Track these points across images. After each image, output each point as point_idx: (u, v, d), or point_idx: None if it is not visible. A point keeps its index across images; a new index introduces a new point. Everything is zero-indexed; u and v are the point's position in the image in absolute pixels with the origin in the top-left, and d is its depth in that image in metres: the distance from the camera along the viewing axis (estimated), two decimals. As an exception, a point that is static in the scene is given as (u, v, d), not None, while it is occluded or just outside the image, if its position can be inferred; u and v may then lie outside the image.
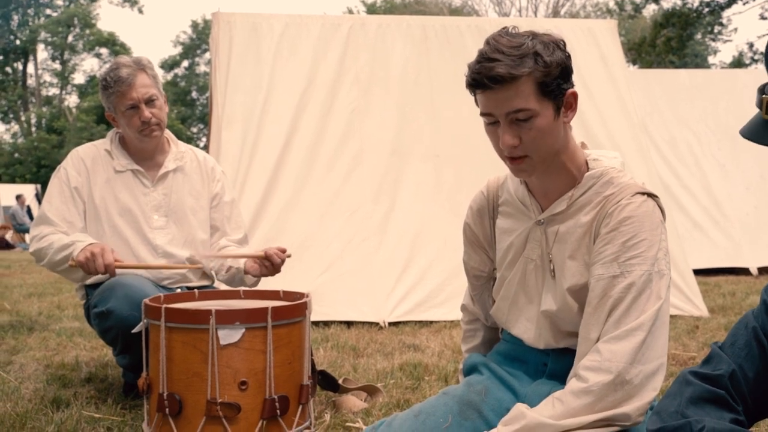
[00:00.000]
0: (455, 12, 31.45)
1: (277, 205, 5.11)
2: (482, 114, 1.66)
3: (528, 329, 1.84)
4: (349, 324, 4.72)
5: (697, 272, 6.91)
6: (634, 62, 27.41)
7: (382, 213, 5.17)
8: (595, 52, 5.82)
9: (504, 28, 1.67)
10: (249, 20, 5.49)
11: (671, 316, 4.98)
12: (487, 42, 1.63)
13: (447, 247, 4.93)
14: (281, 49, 5.43)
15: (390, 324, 4.74)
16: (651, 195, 1.70)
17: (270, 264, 2.74)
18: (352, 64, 5.50)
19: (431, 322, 4.78)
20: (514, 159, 1.67)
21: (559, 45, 1.65)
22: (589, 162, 1.77)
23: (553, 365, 1.82)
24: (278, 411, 2.23)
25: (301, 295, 2.49)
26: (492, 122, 1.66)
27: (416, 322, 4.77)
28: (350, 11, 35.14)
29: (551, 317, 1.77)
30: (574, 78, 5.36)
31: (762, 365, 1.22)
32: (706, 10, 23.37)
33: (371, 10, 34.96)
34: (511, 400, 1.79)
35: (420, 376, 3.18)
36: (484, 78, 1.58)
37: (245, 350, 2.20)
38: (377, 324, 4.71)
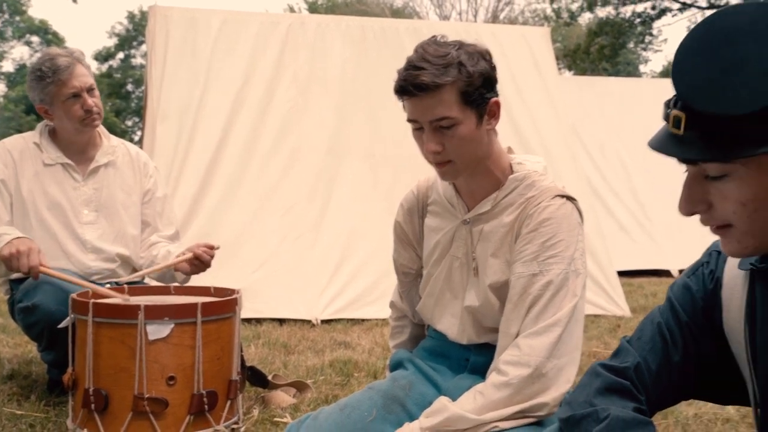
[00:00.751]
0: (397, 13, 31.61)
1: (211, 200, 5.08)
2: (408, 120, 1.72)
3: (452, 325, 1.91)
4: (281, 321, 4.73)
5: (622, 273, 7.16)
6: (569, 68, 28.06)
7: (318, 211, 5.20)
8: (528, 58, 5.97)
9: (433, 37, 1.73)
10: (186, 15, 5.44)
11: (595, 315, 5.16)
12: (416, 50, 1.69)
13: (381, 246, 4.99)
14: (219, 44, 5.40)
15: (322, 322, 4.77)
16: (570, 198, 1.79)
17: (200, 262, 2.74)
18: (291, 63, 5.51)
19: (363, 320, 4.83)
20: (438, 164, 1.73)
21: (484, 55, 1.72)
22: (513, 165, 1.85)
23: (474, 360, 1.89)
24: (206, 406, 2.24)
25: (232, 292, 2.51)
26: (418, 128, 1.72)
27: (349, 320, 4.82)
28: (291, 9, 34.86)
29: (474, 313, 1.84)
30: (508, 83, 5.51)
31: (664, 358, 1.30)
32: (638, 20, 24.09)
33: (313, 8, 34.78)
34: (434, 394, 1.85)
35: (350, 372, 3.23)
36: (409, 85, 1.64)
37: (174, 345, 2.21)
38: (310, 321, 4.74)
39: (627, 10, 24.61)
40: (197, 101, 5.23)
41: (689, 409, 2.65)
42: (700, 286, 1.31)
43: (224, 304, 2.35)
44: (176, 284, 2.79)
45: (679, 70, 1.02)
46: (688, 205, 1.09)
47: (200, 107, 5.23)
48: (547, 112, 5.85)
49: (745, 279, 1.22)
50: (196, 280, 2.86)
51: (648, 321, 1.37)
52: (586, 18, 26.64)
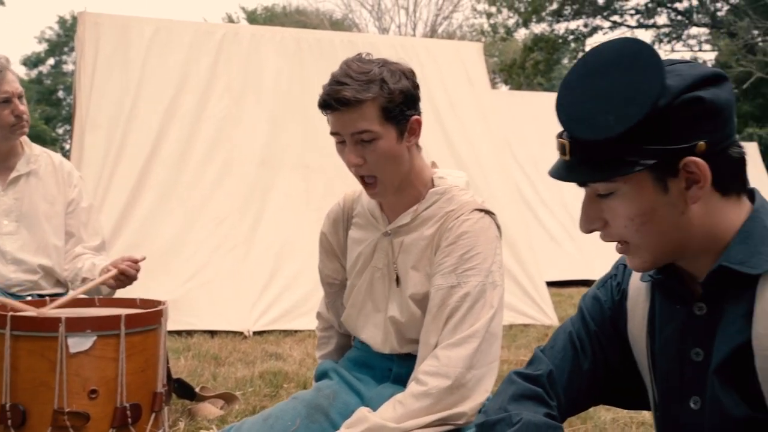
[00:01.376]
0: (336, 24, 31.65)
1: (142, 211, 5.01)
2: (331, 133, 1.75)
3: (375, 335, 1.93)
4: (213, 333, 4.69)
5: (552, 284, 7.33)
6: (506, 83, 28.60)
7: (250, 222, 5.18)
8: (462, 73, 6.08)
9: (358, 55, 1.78)
10: (118, 22, 5.36)
11: (525, 325, 5.28)
12: (341, 66, 1.74)
13: (314, 257, 4.90)
14: (151, 53, 5.33)
15: (255, 333, 4.74)
16: (488, 212, 1.84)
17: (125, 277, 2.69)
18: (225, 73, 5.48)
19: (296, 331, 4.83)
20: (367, 184, 1.77)
21: (406, 74, 1.77)
22: (434, 179, 1.89)
23: (397, 370, 1.92)
24: (129, 419, 2.20)
25: (158, 303, 2.47)
26: (340, 141, 1.75)
27: (281, 332, 4.80)
28: (230, 18, 34.55)
29: (396, 324, 1.87)
30: (442, 97, 5.59)
31: (574, 366, 1.36)
32: (571, 37, 24.80)
33: (251, 17, 34.52)
34: (357, 404, 1.87)
35: (279, 384, 3.22)
36: (332, 100, 1.68)
37: (96, 358, 2.16)
38: (242, 333, 4.70)
39: (560, 27, 25.33)
40: (128, 110, 5.15)
41: (607, 413, 2.74)
42: (608, 297, 1.38)
43: (149, 315, 2.32)
44: (101, 296, 2.74)
45: (561, 102, 1.13)
46: (586, 223, 1.18)
47: (131, 116, 5.16)
48: (480, 126, 5.97)
49: (647, 290, 1.30)
50: (124, 292, 2.81)
51: (561, 330, 1.43)
52: (522, 34, 27.25)
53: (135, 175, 5.05)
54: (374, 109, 1.69)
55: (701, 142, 1.05)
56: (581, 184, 1.14)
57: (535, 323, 5.39)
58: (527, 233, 5.98)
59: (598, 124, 1.05)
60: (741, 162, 1.12)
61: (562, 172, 1.13)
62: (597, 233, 1.20)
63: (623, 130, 1.03)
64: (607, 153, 1.07)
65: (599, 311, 1.37)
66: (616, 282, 1.39)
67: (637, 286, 1.32)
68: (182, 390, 2.74)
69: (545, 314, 5.51)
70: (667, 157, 1.05)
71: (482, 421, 1.32)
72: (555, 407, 1.33)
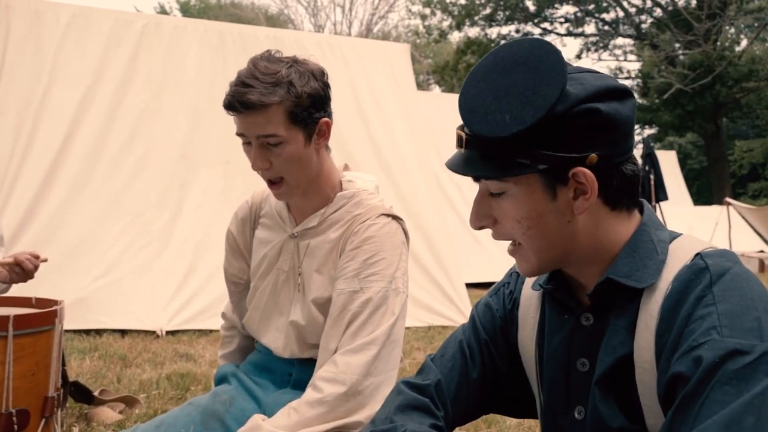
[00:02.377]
0: (271, 20, 31.29)
1: (52, 204, 4.81)
2: (237, 134, 1.70)
3: (276, 339, 1.89)
4: (124, 333, 4.54)
5: (477, 285, 7.41)
6: (438, 84, 28.88)
7: (167, 218, 5.04)
8: (388, 73, 6.07)
9: (267, 52, 1.72)
10: (31, 6, 5.13)
11: (443, 327, 5.31)
12: (248, 65, 1.68)
13: (232, 255, 4.90)
14: (66, 40, 5.13)
15: (168, 333, 4.62)
16: (395, 217, 1.82)
17: (21, 270, 2.56)
18: (145, 64, 5.32)
19: (211, 330, 4.73)
20: (272, 183, 1.72)
21: (315, 75, 1.72)
22: (343, 183, 1.86)
23: (297, 375, 1.88)
24: (15, 426, 2.11)
25: (54, 303, 2.37)
26: (247, 142, 1.70)
27: (195, 331, 4.69)
28: (162, 9, 33.71)
29: (298, 328, 1.84)
30: (367, 98, 5.55)
31: (463, 375, 1.35)
32: (503, 42, 25.25)
33: (185, 9, 33.78)
34: (254, 410, 1.83)
35: (187, 386, 3.14)
36: (236, 102, 1.63)
37: (-20, 361, 2.06)
38: (154, 333, 4.57)
39: (493, 32, 25.75)
40: (40, 98, 4.94)
41: (512, 419, 2.76)
42: (500, 306, 1.38)
43: (41, 316, 2.22)
44: (-6, 294, 2.60)
45: (464, 93, 1.11)
46: (476, 220, 1.17)
47: (43, 104, 4.95)
48: (405, 127, 5.98)
49: (538, 299, 1.30)
50: (26, 290, 2.67)
51: (452, 338, 1.42)
52: (456, 36, 27.58)
53: (46, 166, 4.85)
54: (280, 113, 1.64)
55: (593, 154, 1.05)
56: (475, 179, 1.14)
57: (453, 324, 5.43)
58: (449, 234, 6.02)
59: (495, 122, 1.04)
60: (633, 179, 1.12)
61: (458, 165, 1.12)
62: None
63: (517, 131, 1.02)
64: (500, 151, 1.06)
65: (491, 320, 1.37)
66: (508, 290, 1.38)
67: (529, 295, 1.33)
68: (79, 393, 2.63)
69: (463, 316, 5.56)
70: (558, 164, 1.05)
71: (369, 431, 1.29)
72: (442, 417, 1.32)
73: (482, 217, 1.16)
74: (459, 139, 1.11)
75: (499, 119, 1.04)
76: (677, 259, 1.09)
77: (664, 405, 1.04)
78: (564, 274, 1.21)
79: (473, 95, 1.09)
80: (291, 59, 1.71)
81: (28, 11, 5.09)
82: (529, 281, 1.34)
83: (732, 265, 1.06)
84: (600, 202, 1.09)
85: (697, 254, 1.08)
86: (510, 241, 1.18)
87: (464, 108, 1.09)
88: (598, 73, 1.12)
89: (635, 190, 1.14)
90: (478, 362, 1.34)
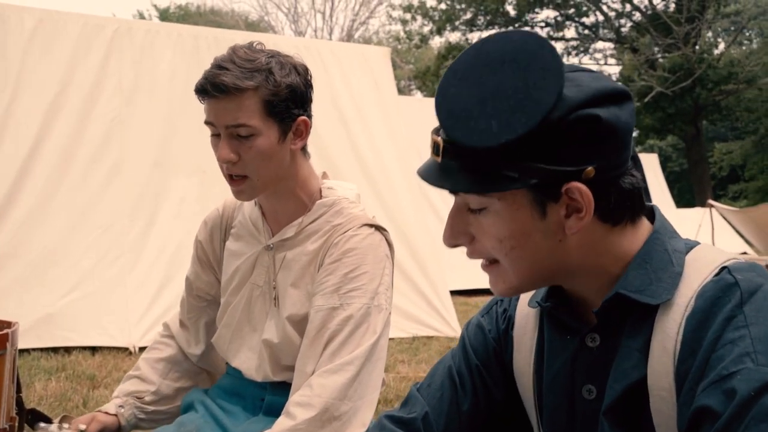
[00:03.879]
0: (251, 26, 31.19)
1: (18, 215, 4.65)
2: (206, 122, 1.55)
3: (249, 359, 1.76)
4: (94, 350, 4.36)
5: (460, 292, 7.30)
6: (420, 90, 28.93)
7: (140, 229, 4.89)
8: (369, 77, 5.97)
9: (249, 43, 1.59)
10: (-6, 10, 4.96)
11: (427, 337, 5.19)
12: (227, 51, 1.54)
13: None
14: (33, 46, 4.97)
15: (141, 349, 4.44)
16: (379, 228, 1.69)
17: None
18: (116, 70, 5.17)
19: (187, 346, 4.55)
20: (234, 179, 1.57)
21: (297, 69, 1.60)
22: (323, 190, 1.72)
23: (270, 400, 1.75)
24: (-37, 462, 1.93)
25: (6, 325, 2.19)
26: (215, 133, 1.56)
27: (171, 347, 4.52)
28: (141, 15, 33.53)
29: (272, 347, 1.70)
30: (347, 102, 5.41)
31: (453, 407, 1.22)
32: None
33: (164, 16, 33.60)
34: (222, 442, 1.68)
35: (158, 408, 2.96)
36: (209, 84, 1.49)
37: None
38: (127, 349, 4.39)
39: (474, 36, 25.85)
40: (5, 106, 4.79)
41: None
42: (493, 326, 1.24)
43: (-9, 340, 2.04)
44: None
45: (442, 93, 0.96)
46: (451, 237, 1.03)
47: (9, 112, 4.79)
48: (386, 131, 5.89)
49: (536, 317, 1.16)
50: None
51: (440, 365, 1.29)
52: (436, 42, 27.67)
53: (12, 176, 4.68)
54: (255, 101, 1.50)
55: (590, 167, 0.91)
56: (451, 191, 0.99)
57: (439, 335, 5.31)
58: (433, 242, 5.90)
59: (479, 129, 0.90)
60: (633, 193, 0.98)
61: (432, 176, 0.98)
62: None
63: (506, 140, 0.88)
64: (483, 163, 0.92)
65: (483, 342, 1.23)
66: (502, 308, 1.25)
67: (525, 313, 1.19)
68: (37, 421, 2.44)
69: (449, 326, 5.44)
70: (550, 179, 0.91)
71: (347, 474, 1.15)
72: (430, 455, 1.18)
73: (457, 234, 1.02)
74: (435, 146, 0.96)
75: (484, 126, 0.90)
76: (696, 271, 0.96)
77: (687, 440, 0.90)
78: (563, 290, 1.07)
79: (453, 96, 0.94)
80: (273, 51, 1.58)
81: (-8, 16, 4.92)
82: (525, 298, 1.20)
83: (764, 282, 0.92)
84: (596, 219, 0.95)
85: (724, 267, 0.95)
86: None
87: (443, 111, 0.95)
88: (594, 72, 0.98)
89: (637, 203, 0.99)
90: (469, 391, 1.21)
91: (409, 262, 5.51)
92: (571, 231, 0.95)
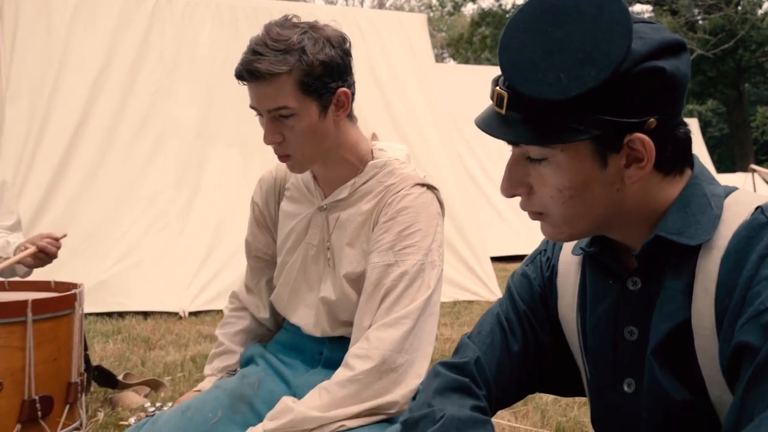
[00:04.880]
0: (282, -3, 31.10)
1: (68, 189, 4.78)
2: (251, 107, 1.61)
3: (307, 316, 1.82)
4: (146, 315, 4.51)
5: (500, 259, 7.33)
6: (453, 57, 28.61)
7: (185, 199, 4.99)
8: (405, 45, 5.95)
9: (283, 17, 1.62)
10: (40, -12, 5.06)
11: (468, 302, 5.24)
12: (262, 30, 1.58)
13: (250, 236, 4.86)
14: (76, 22, 5.06)
15: (190, 314, 4.58)
16: (430, 187, 1.73)
17: (45, 255, 2.51)
18: (157, 43, 5.24)
19: (234, 311, 4.68)
20: (282, 157, 1.64)
21: (332, 41, 1.60)
22: (374, 152, 1.77)
23: (328, 353, 1.80)
24: (39, 413, 2.06)
25: (73, 286, 2.31)
26: (260, 114, 1.61)
27: (218, 312, 4.65)
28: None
29: (329, 305, 1.76)
30: (384, 69, 5.40)
31: (504, 349, 1.25)
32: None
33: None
34: (283, 392, 1.76)
35: (211, 368, 3.09)
36: (244, 71, 1.53)
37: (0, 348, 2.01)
38: (177, 314, 4.54)
39: (508, 2, 25.42)
40: (52, 81, 4.88)
41: (548, 395, 2.69)
42: (538, 274, 1.28)
43: (60, 300, 2.16)
44: (14, 279, 2.56)
45: (505, 46, 0.97)
46: (509, 187, 1.05)
47: (55, 88, 4.89)
48: (423, 99, 5.87)
49: (578, 265, 1.20)
50: (42, 274, 2.63)
51: (488, 314, 1.33)
52: (469, 8, 27.25)
53: (61, 151, 4.81)
54: (291, 83, 1.53)
55: (652, 119, 0.93)
56: (511, 142, 1.01)
57: (480, 299, 5.36)
58: (472, 208, 5.93)
59: (547, 82, 0.91)
60: (687, 142, 1.01)
61: (494, 127, 0.99)
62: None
63: (575, 93, 0.90)
64: (549, 115, 0.93)
65: (528, 289, 1.27)
66: (545, 257, 1.28)
67: (568, 260, 1.22)
68: (103, 378, 2.58)
69: (489, 290, 5.48)
70: (614, 130, 0.93)
71: (405, 418, 1.22)
72: (483, 396, 1.23)
73: (516, 184, 1.03)
74: (498, 97, 0.97)
75: (553, 79, 0.91)
76: (735, 214, 0.98)
77: (729, 376, 0.94)
78: (607, 237, 1.10)
79: (517, 49, 0.95)
80: (307, 24, 1.60)
81: (37, -6, 5.02)
82: (567, 247, 1.24)
83: None
84: (652, 168, 0.97)
85: (758, 208, 0.97)
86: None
87: (507, 63, 0.96)
88: (654, 23, 0.99)
89: (689, 152, 1.02)
90: (518, 334, 1.25)
91: (449, 229, 5.54)
92: (630, 180, 0.97)
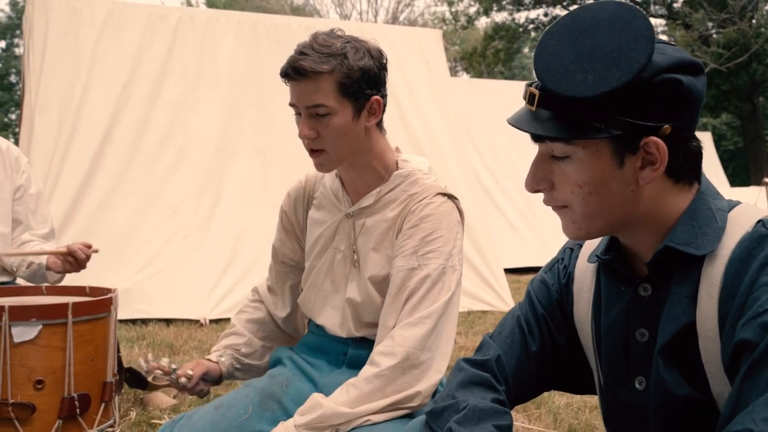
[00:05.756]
0: (297, 10, 31.32)
1: (94, 198, 4.91)
2: (290, 104, 1.74)
3: (332, 317, 1.91)
4: (168, 322, 4.62)
5: (511, 270, 7.39)
6: (467, 71, 28.68)
7: (206, 209, 5.11)
8: (420, 60, 6.06)
9: (331, 29, 1.75)
10: (68, 3, 5.22)
11: (483, 312, 5.31)
12: (309, 37, 1.72)
13: (271, 244, 4.95)
14: (103, 36, 5.21)
15: (211, 321, 4.69)
16: (451, 197, 1.84)
17: (74, 260, 2.63)
18: (180, 57, 5.38)
19: (254, 318, 4.78)
20: (313, 152, 1.75)
21: (371, 53, 1.74)
22: (399, 162, 1.88)
23: (352, 354, 1.90)
24: (78, 410, 2.17)
25: (107, 291, 2.43)
26: (297, 113, 1.73)
27: (239, 319, 4.75)
28: (189, 2, 33.95)
29: (354, 306, 1.86)
30: (400, 84, 5.50)
31: (523, 349, 1.35)
32: (531, 26, 24.96)
33: (211, 2, 33.98)
34: (311, 390, 1.85)
35: (235, 372, 3.18)
36: (290, 68, 1.67)
37: (42, 348, 2.12)
38: (198, 321, 4.65)
39: (521, 16, 25.47)
40: (79, 94, 5.03)
41: (561, 398, 2.77)
42: (555, 281, 1.38)
43: (98, 303, 2.28)
44: (48, 284, 2.68)
45: (540, 51, 1.09)
46: (533, 183, 1.16)
47: (83, 101, 5.04)
48: (439, 113, 5.96)
49: (593, 272, 1.29)
50: (74, 280, 2.75)
51: (509, 316, 1.43)
52: (483, 22, 27.34)
53: (87, 162, 4.94)
54: (331, 83, 1.67)
55: (667, 126, 1.04)
56: (537, 139, 1.12)
57: (493, 310, 5.43)
58: (486, 220, 6.01)
59: (575, 81, 1.03)
60: (698, 155, 1.11)
61: (524, 122, 1.11)
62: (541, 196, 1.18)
63: (600, 92, 1.01)
64: (574, 112, 1.05)
65: (547, 294, 1.37)
66: (563, 266, 1.38)
67: (583, 268, 1.32)
68: (134, 379, 2.69)
69: (503, 301, 5.56)
70: (632, 132, 1.04)
71: (431, 408, 1.31)
72: (503, 392, 1.32)
73: (540, 180, 1.15)
74: (530, 96, 1.09)
75: (581, 79, 1.03)
76: (738, 226, 1.09)
77: (730, 373, 1.04)
78: (619, 244, 1.20)
79: (551, 53, 1.07)
80: (351, 37, 1.74)
81: (66, 8, 5.18)
82: (583, 256, 1.34)
83: None
84: (664, 174, 1.08)
85: (759, 221, 1.07)
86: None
87: (541, 65, 1.08)
88: (674, 45, 1.11)
89: (698, 165, 1.13)
90: (537, 336, 1.35)
91: (463, 240, 5.60)
92: (644, 181, 1.07)
